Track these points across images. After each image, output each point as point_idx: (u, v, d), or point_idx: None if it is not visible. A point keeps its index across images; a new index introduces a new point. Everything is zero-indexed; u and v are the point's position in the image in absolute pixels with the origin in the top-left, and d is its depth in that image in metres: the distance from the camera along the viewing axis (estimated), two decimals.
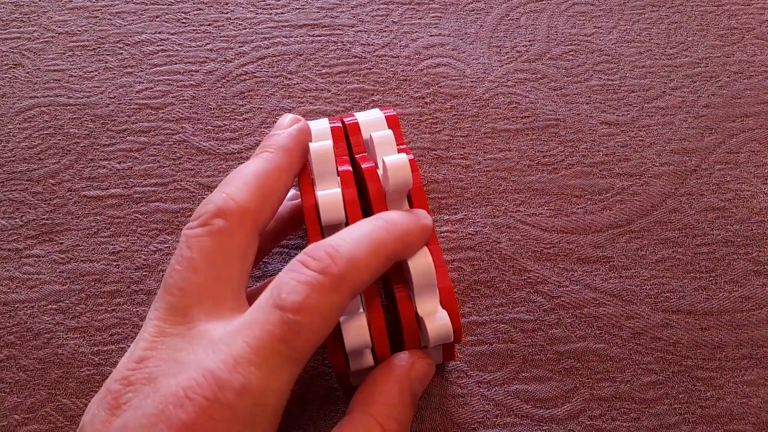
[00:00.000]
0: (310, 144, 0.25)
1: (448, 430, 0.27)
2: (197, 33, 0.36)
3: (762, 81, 0.36)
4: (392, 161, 0.24)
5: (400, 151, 0.26)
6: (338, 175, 0.25)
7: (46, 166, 0.32)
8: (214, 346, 0.19)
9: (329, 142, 0.25)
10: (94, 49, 0.35)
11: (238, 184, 0.23)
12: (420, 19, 0.37)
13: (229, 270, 0.21)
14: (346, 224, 0.24)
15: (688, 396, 0.27)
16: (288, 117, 0.26)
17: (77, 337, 0.28)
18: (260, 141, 0.33)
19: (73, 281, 0.29)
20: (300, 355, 0.19)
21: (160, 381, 0.18)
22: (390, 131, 0.26)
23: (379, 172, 0.25)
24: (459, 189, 0.32)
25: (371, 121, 0.27)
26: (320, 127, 0.27)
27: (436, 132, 0.33)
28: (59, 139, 0.32)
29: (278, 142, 0.25)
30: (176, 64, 0.35)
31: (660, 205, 0.32)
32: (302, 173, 0.26)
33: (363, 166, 0.25)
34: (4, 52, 0.34)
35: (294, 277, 0.19)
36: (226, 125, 0.33)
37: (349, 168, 0.25)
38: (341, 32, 0.36)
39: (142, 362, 0.19)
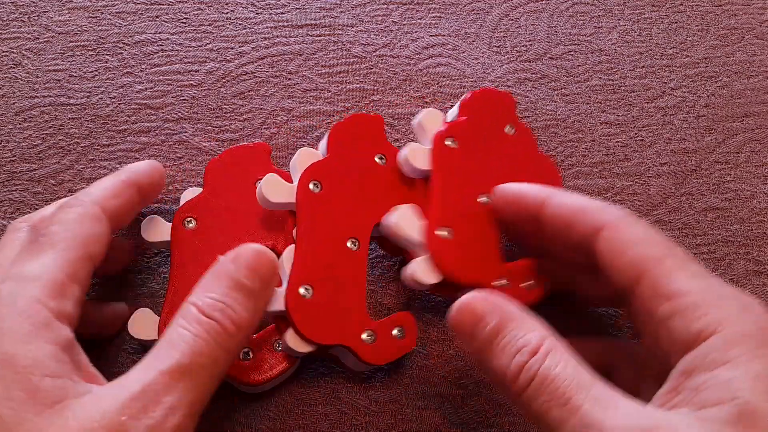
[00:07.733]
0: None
1: (448, 430, 0.27)
2: (197, 33, 0.36)
3: (762, 81, 0.36)
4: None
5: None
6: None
7: (46, 166, 0.32)
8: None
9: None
10: (94, 49, 0.35)
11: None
12: (420, 19, 0.37)
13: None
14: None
15: None
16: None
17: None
18: (260, 141, 0.33)
19: None
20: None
21: None
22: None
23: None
24: None
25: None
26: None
27: None
28: (59, 139, 0.32)
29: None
30: (176, 64, 0.35)
31: (660, 205, 0.32)
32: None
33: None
34: (4, 52, 0.34)
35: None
36: (226, 125, 0.33)
37: None
38: (341, 32, 0.36)
39: None
